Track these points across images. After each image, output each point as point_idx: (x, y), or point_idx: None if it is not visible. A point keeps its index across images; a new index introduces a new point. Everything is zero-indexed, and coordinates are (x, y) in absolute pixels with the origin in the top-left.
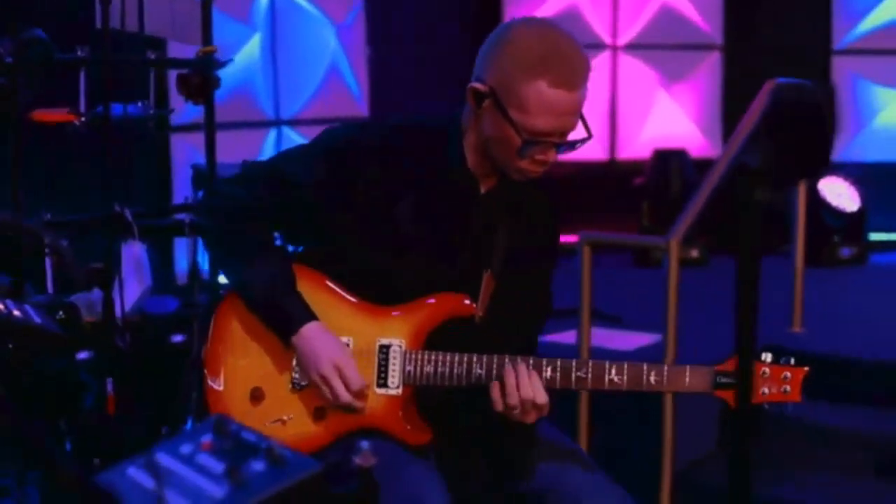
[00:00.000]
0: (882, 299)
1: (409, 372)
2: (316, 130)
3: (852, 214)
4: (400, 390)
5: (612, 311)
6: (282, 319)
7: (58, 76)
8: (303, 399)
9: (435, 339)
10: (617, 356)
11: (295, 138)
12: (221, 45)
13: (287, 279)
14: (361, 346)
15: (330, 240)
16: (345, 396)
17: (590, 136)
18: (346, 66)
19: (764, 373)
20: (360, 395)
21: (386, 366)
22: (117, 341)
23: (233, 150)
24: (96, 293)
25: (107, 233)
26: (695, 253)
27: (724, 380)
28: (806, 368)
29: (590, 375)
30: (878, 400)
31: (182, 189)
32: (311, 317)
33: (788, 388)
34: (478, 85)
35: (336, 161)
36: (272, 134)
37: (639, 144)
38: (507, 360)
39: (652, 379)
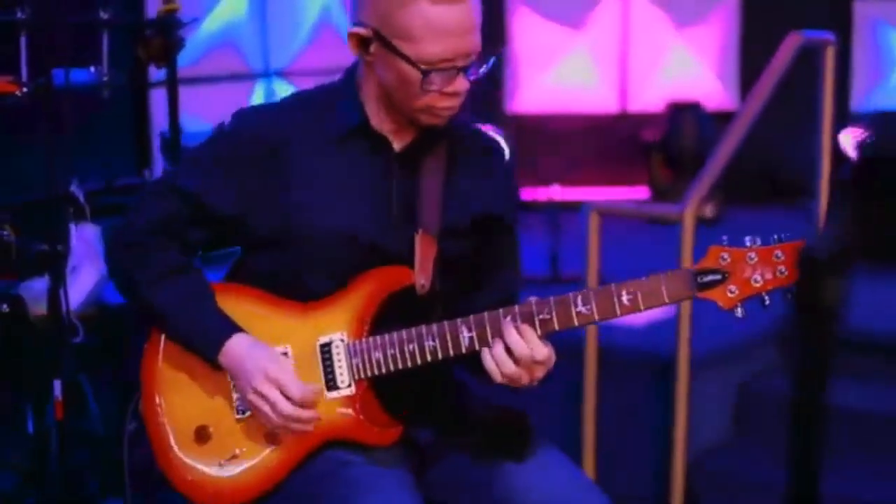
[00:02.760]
0: None
1: (357, 365)
2: (308, 83)
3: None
4: (353, 388)
5: (622, 278)
6: (203, 340)
7: None
8: (251, 426)
9: (384, 321)
10: (628, 332)
11: (286, 90)
12: None
13: (201, 296)
14: (301, 351)
15: (246, 244)
16: (287, 408)
17: (494, 54)
18: (340, 13)
19: (751, 258)
20: (307, 402)
21: (332, 365)
22: (69, 337)
23: (219, 105)
24: (42, 283)
25: (56, 215)
26: (709, 212)
27: (706, 279)
28: (800, 241)
29: (555, 315)
30: None
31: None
32: (234, 329)
33: (784, 268)
34: (358, 29)
35: (223, 160)
36: (261, 87)
37: (651, 95)
38: (459, 322)
39: (625, 299)
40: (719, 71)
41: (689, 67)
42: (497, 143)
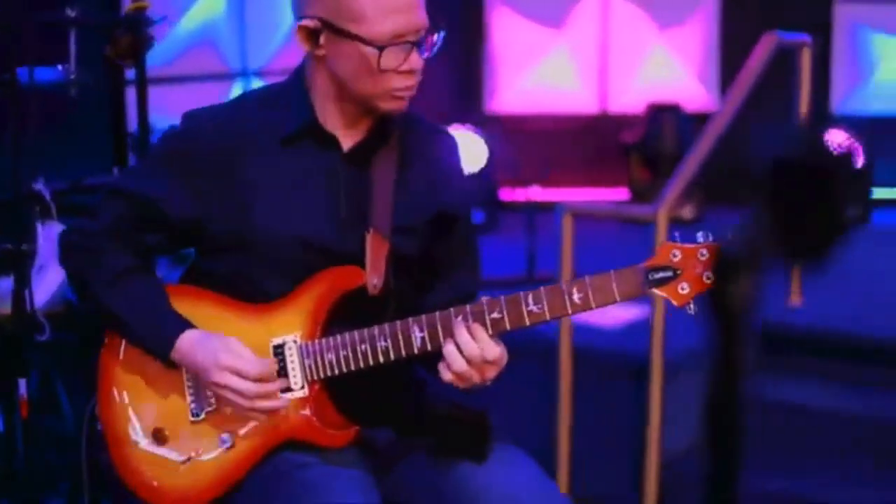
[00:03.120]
0: (888, 261)
1: (310, 366)
2: None
3: (857, 171)
4: (306, 390)
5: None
6: (154, 339)
7: None
8: (206, 428)
9: (337, 322)
10: (603, 334)
11: None
12: None
13: (154, 297)
14: (255, 353)
15: (200, 246)
16: (249, 388)
17: (440, 28)
18: None
19: (702, 255)
20: (267, 376)
21: (285, 367)
22: (35, 336)
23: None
24: (9, 282)
25: (21, 214)
26: (687, 213)
27: (657, 276)
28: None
29: (506, 315)
30: (878, 380)
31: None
32: (185, 326)
33: (711, 274)
34: (306, 22)
35: (173, 162)
36: (238, 86)
37: (631, 96)
38: (411, 322)
39: (576, 297)
40: (699, 72)
41: (669, 69)
42: (450, 138)
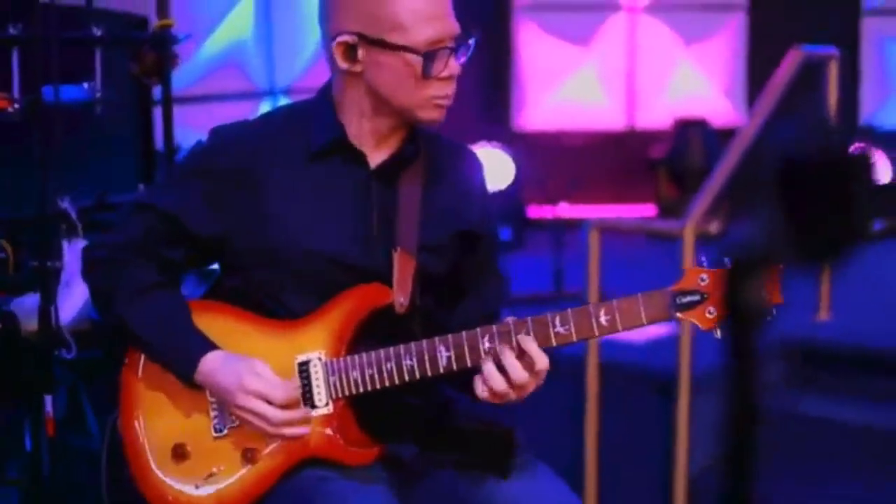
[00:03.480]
0: None
1: (335, 384)
2: None
3: (884, 185)
4: (330, 407)
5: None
6: (178, 360)
7: None
8: (229, 445)
9: (363, 340)
10: (629, 350)
11: None
12: (207, 10)
13: (178, 315)
14: (279, 370)
15: (225, 262)
16: (276, 415)
17: (476, 35)
18: None
19: (702, 279)
20: (293, 403)
21: (310, 384)
22: (62, 353)
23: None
24: (34, 298)
25: (48, 230)
26: (713, 228)
27: (684, 300)
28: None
29: (533, 335)
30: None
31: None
32: (209, 347)
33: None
34: (343, 38)
35: (200, 177)
36: (266, 105)
37: (658, 112)
38: (437, 341)
39: (603, 320)
40: (726, 87)
41: (696, 84)
42: (474, 156)
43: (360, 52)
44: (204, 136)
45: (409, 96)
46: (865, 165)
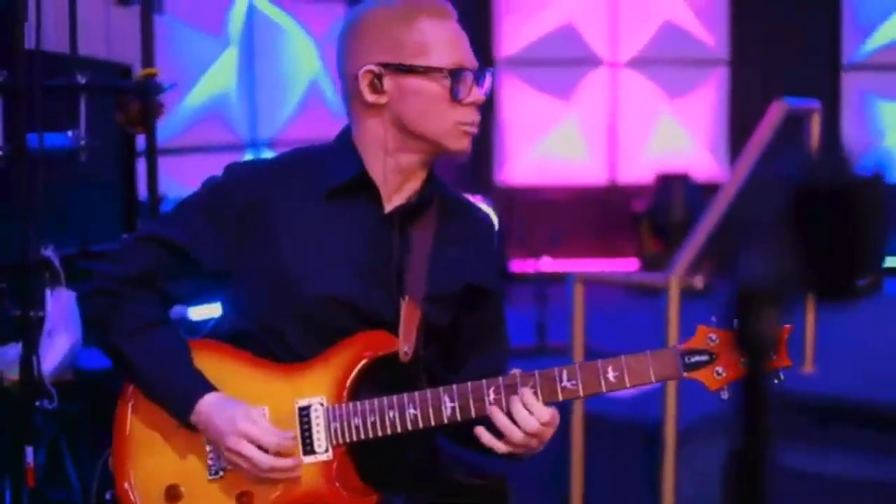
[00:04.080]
0: None
1: (336, 430)
2: None
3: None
4: (330, 453)
5: (609, 348)
6: (175, 400)
7: None
8: (224, 487)
9: (365, 387)
10: (615, 401)
11: None
12: (191, 61)
13: (177, 354)
14: (279, 414)
15: (230, 300)
16: (265, 461)
17: (490, 67)
18: (328, 84)
19: (711, 339)
20: (284, 450)
21: (309, 429)
22: (43, 404)
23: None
24: (16, 349)
25: (25, 279)
26: (698, 282)
27: (693, 359)
28: (788, 326)
29: (539, 389)
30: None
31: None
32: (207, 388)
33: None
34: (369, 67)
35: (211, 212)
36: (248, 157)
37: (640, 166)
38: (442, 391)
39: (611, 376)
40: (708, 142)
41: (677, 138)
42: (486, 214)
43: (387, 82)
44: (187, 189)
45: (437, 122)
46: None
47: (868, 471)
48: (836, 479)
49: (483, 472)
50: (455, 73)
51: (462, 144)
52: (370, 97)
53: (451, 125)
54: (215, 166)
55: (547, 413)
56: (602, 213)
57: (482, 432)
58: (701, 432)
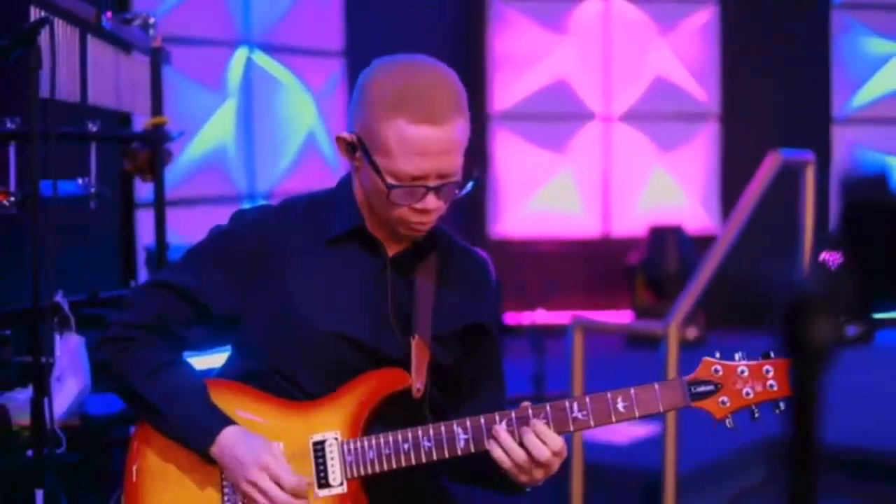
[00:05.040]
0: (891, 379)
1: (351, 463)
2: None
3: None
4: (345, 487)
5: None
6: (195, 432)
7: None
8: None
9: (376, 422)
10: (611, 451)
11: None
12: (190, 114)
13: (195, 390)
14: (295, 449)
15: (241, 343)
16: (280, 498)
17: (471, 178)
18: (325, 137)
19: (742, 371)
20: (300, 493)
21: (324, 463)
22: (52, 448)
23: (202, 226)
24: (26, 393)
25: (36, 325)
26: (692, 333)
27: (699, 389)
28: (787, 359)
29: (551, 420)
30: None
31: (144, 273)
32: (227, 422)
33: (774, 383)
34: (344, 134)
35: (220, 258)
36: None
37: (634, 218)
38: (455, 424)
39: (620, 406)
40: (700, 195)
41: (670, 191)
42: (484, 260)
43: (357, 153)
44: (185, 239)
45: (383, 210)
46: None
47: None
48: None
49: None
50: (396, 187)
51: (409, 233)
52: (343, 156)
53: (394, 217)
54: (213, 217)
55: (559, 442)
56: (596, 266)
57: (494, 446)
58: (700, 481)
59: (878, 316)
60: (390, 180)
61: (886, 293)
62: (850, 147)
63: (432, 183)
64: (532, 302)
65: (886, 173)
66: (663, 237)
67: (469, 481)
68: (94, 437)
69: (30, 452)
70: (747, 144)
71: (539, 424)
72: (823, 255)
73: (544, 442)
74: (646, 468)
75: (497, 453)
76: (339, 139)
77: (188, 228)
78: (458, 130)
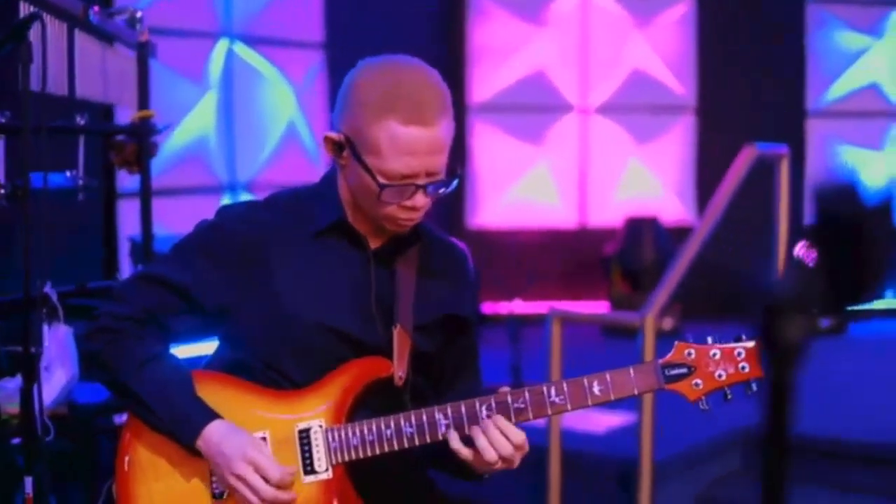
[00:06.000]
0: (864, 373)
1: (336, 450)
2: None
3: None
4: (330, 473)
5: None
6: (181, 426)
7: None
8: None
9: (360, 409)
10: (588, 439)
11: None
12: (172, 106)
13: (181, 384)
14: (280, 437)
15: (228, 334)
16: (266, 491)
17: (456, 175)
18: (305, 129)
19: (714, 354)
20: (285, 484)
21: (310, 450)
22: (39, 435)
23: (183, 216)
24: (17, 382)
25: (27, 315)
26: (668, 324)
27: (672, 371)
28: (754, 342)
29: (529, 405)
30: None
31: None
32: (212, 416)
33: (746, 365)
34: (332, 134)
35: (208, 252)
36: (227, 199)
37: (610, 209)
38: (436, 410)
39: (596, 390)
40: (676, 186)
41: (646, 183)
42: (462, 251)
43: (344, 152)
44: (165, 230)
45: (369, 208)
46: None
47: None
48: None
49: (469, 499)
50: (387, 186)
51: (395, 229)
52: (329, 154)
53: (382, 214)
54: (195, 207)
55: (520, 436)
56: (572, 256)
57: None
58: (676, 468)
59: (851, 308)
60: (381, 180)
61: (856, 292)
62: (824, 140)
63: (421, 181)
64: (509, 292)
65: (856, 184)
66: (639, 228)
67: (435, 466)
68: (80, 426)
69: (15, 440)
70: (723, 137)
71: (501, 419)
72: (800, 250)
73: (507, 436)
74: (622, 456)
75: (482, 443)
76: (326, 139)
77: (170, 218)
78: (445, 130)
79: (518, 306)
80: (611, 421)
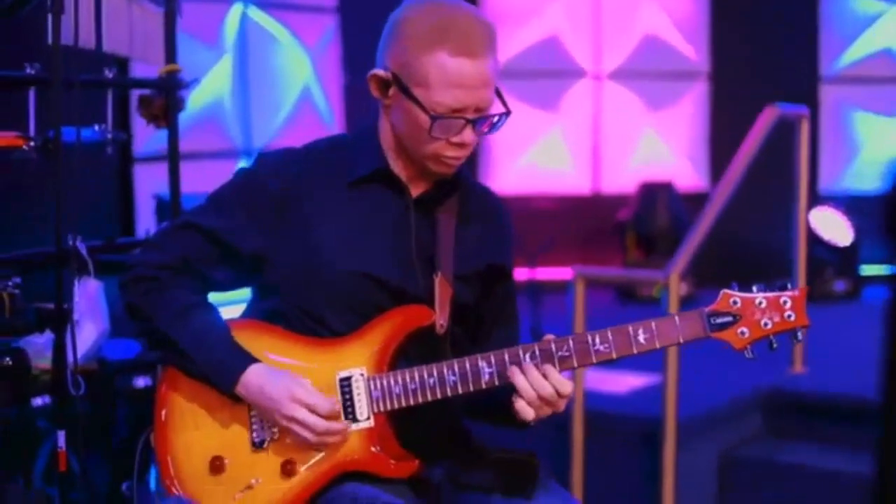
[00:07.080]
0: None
1: (378, 398)
2: None
3: (845, 248)
4: (371, 421)
5: None
6: (220, 372)
7: (5, 96)
8: (268, 457)
9: (401, 358)
10: (611, 400)
11: None
12: (187, 69)
13: (218, 331)
14: (321, 385)
15: (266, 283)
16: (321, 425)
17: (508, 112)
18: (319, 92)
19: (760, 303)
20: (335, 415)
21: (351, 399)
22: (71, 390)
23: (199, 180)
24: (47, 337)
25: (59, 270)
26: (683, 289)
27: (718, 320)
28: (805, 287)
29: (574, 353)
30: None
31: (145, 222)
32: (251, 361)
33: (792, 313)
34: (379, 71)
35: (245, 200)
36: (243, 163)
37: (624, 175)
38: (479, 358)
39: (641, 338)
40: (689, 152)
41: (660, 149)
42: (501, 201)
43: (391, 90)
44: (183, 192)
45: (418, 146)
46: None
47: (862, 466)
48: (830, 474)
49: (515, 449)
50: (438, 118)
51: (440, 169)
52: (376, 94)
53: (431, 153)
54: (209, 171)
55: (568, 385)
56: (586, 222)
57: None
58: (697, 429)
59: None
60: (432, 112)
61: None
62: (838, 106)
63: (470, 115)
64: (526, 258)
65: None
66: (653, 194)
67: (477, 416)
68: (104, 383)
69: (37, 402)
70: (736, 102)
71: (549, 368)
72: None
73: (555, 387)
74: (645, 416)
75: (521, 383)
76: (372, 77)
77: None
78: (492, 65)
79: (535, 272)
80: (634, 382)
